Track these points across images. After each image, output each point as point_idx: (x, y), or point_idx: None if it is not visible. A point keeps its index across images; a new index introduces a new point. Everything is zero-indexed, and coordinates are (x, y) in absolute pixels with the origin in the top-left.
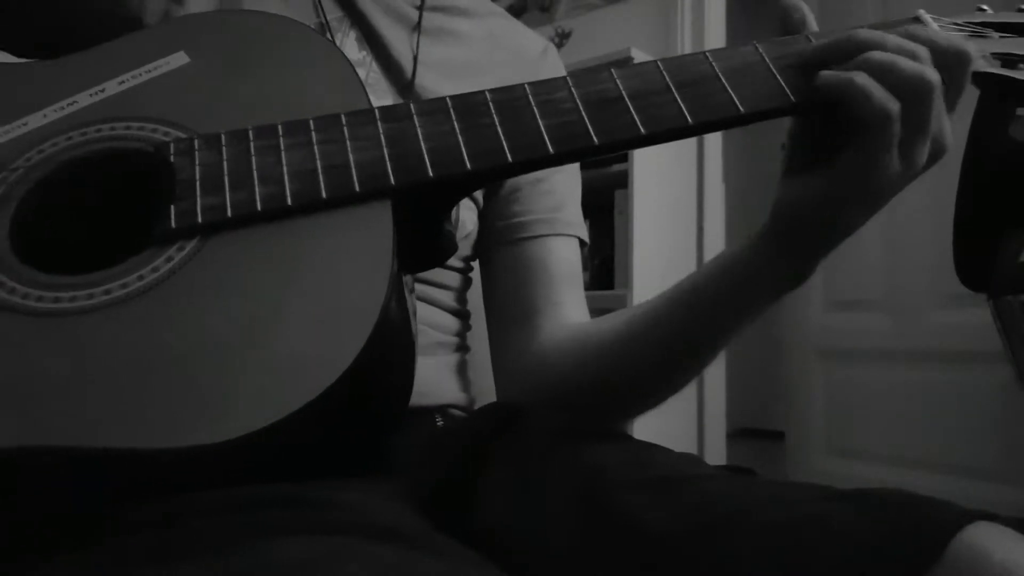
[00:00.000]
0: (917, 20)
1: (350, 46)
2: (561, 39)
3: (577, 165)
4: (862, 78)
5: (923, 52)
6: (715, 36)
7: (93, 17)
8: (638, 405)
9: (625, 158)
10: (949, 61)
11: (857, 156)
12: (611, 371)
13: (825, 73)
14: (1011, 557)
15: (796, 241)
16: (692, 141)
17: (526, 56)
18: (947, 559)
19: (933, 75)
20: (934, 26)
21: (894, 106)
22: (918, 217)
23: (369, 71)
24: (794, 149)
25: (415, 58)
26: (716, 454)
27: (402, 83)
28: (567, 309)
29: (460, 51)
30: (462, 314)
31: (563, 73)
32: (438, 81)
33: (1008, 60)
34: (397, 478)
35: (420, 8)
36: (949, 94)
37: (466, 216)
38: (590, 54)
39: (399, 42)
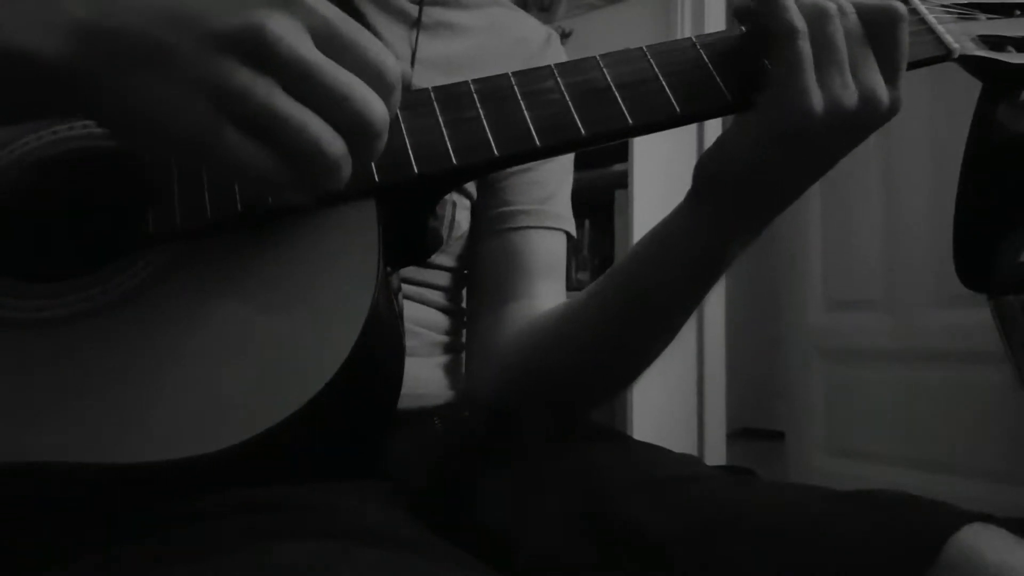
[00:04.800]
0: (905, 3)
1: None
2: (561, 39)
3: (570, 156)
4: None
5: (845, 3)
6: None
7: None
8: (591, 386)
9: (625, 158)
10: (876, 14)
11: (773, 87)
12: (560, 349)
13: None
14: (1005, 559)
15: (712, 206)
16: (692, 140)
17: (529, 46)
18: (942, 561)
19: (831, 6)
20: (922, 8)
21: (799, 23)
22: (918, 217)
23: None
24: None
25: (413, 53)
26: (716, 454)
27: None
28: (540, 301)
29: (459, 45)
30: (456, 312)
31: None
32: (436, 78)
33: (996, 42)
34: (394, 481)
35: (420, 4)
36: (884, 53)
37: (461, 216)
38: (590, 54)
39: (396, 40)
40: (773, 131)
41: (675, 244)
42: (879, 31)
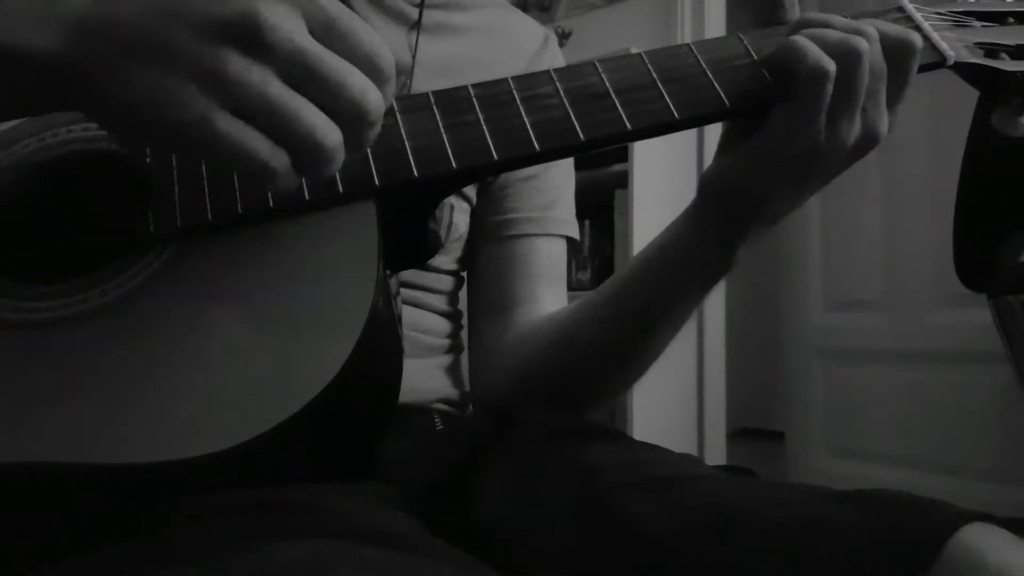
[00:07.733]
0: (900, 10)
1: None
2: (561, 39)
3: (571, 160)
4: (800, 39)
5: (870, 30)
6: (715, 36)
7: None
8: (596, 388)
9: (625, 158)
10: (893, 48)
11: (781, 119)
12: (564, 354)
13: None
14: (1005, 558)
15: (719, 218)
16: (692, 141)
17: (527, 48)
18: (943, 560)
19: (863, 45)
20: (917, 16)
21: (829, 65)
22: (918, 217)
23: None
24: (730, 128)
25: (413, 57)
26: (716, 454)
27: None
28: (544, 304)
29: (458, 47)
30: (454, 315)
31: (563, 64)
32: (435, 80)
33: (990, 50)
34: (394, 481)
35: (420, 7)
36: (893, 85)
37: (459, 219)
38: (590, 54)
39: (396, 42)
40: (774, 158)
41: (686, 251)
42: (894, 66)
